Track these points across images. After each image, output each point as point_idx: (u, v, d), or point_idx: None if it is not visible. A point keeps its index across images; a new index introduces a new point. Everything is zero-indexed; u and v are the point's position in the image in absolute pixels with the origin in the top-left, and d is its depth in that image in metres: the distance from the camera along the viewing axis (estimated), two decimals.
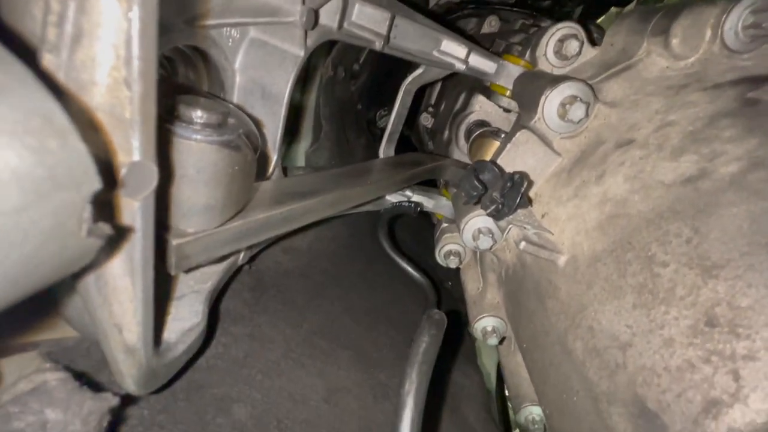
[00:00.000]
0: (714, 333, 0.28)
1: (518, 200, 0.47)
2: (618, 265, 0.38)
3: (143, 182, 0.25)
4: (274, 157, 0.51)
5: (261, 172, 0.51)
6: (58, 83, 0.23)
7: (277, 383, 0.48)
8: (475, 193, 0.49)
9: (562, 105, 0.51)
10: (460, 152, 0.82)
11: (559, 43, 0.59)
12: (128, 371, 0.32)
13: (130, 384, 0.33)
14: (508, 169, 0.53)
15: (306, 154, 0.97)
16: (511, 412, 0.77)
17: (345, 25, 0.51)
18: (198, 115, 0.33)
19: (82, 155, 0.19)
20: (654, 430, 0.30)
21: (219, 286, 0.48)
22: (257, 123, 0.48)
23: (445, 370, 0.70)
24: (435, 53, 0.62)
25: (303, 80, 0.91)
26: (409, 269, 0.80)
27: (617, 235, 0.39)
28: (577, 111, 0.49)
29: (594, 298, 0.39)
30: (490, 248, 0.54)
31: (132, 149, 0.24)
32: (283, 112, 0.50)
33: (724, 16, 0.43)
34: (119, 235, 0.26)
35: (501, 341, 0.62)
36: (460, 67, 0.64)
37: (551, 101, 0.51)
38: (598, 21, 1.14)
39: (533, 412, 0.59)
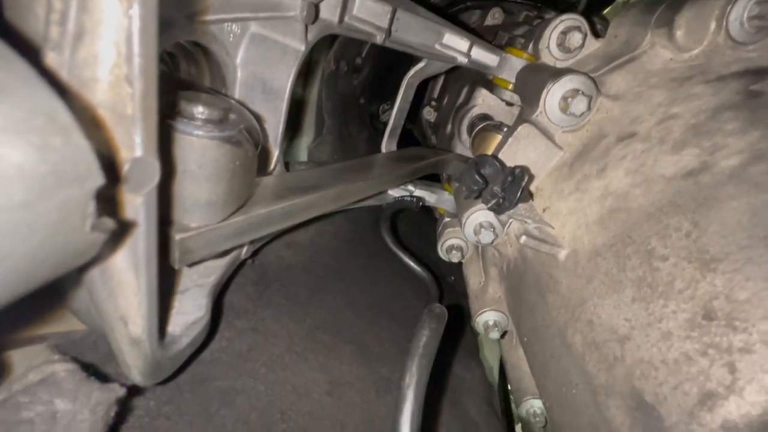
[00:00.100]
0: (711, 326, 0.28)
1: (519, 194, 0.47)
2: (618, 259, 0.38)
3: (146, 178, 0.25)
4: (275, 152, 0.52)
5: (263, 167, 0.51)
6: (61, 81, 0.23)
7: (281, 376, 0.49)
8: (475, 188, 0.49)
9: (564, 98, 0.50)
10: (463, 146, 0.82)
11: (562, 36, 0.59)
12: (134, 363, 0.32)
13: (136, 375, 0.33)
14: (510, 163, 0.53)
15: (308, 148, 0.97)
16: (513, 406, 0.78)
17: (346, 18, 0.51)
18: (199, 110, 0.33)
19: (85, 152, 0.20)
20: (650, 423, 0.30)
21: (222, 280, 0.48)
22: (258, 118, 0.48)
23: (446, 363, 0.71)
24: (437, 47, 0.62)
25: (305, 75, 0.91)
26: (412, 264, 0.80)
27: (617, 229, 0.39)
28: (579, 104, 0.49)
29: (594, 292, 0.39)
30: (492, 242, 0.54)
31: (134, 145, 0.24)
32: (284, 107, 0.50)
33: (729, 6, 0.43)
34: (123, 229, 0.26)
35: (503, 335, 0.63)
36: (463, 60, 0.64)
37: (553, 95, 0.51)
38: (605, 12, 1.13)
39: (534, 405, 0.59)
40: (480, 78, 0.80)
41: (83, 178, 0.20)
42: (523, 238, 0.47)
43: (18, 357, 0.33)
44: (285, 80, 0.49)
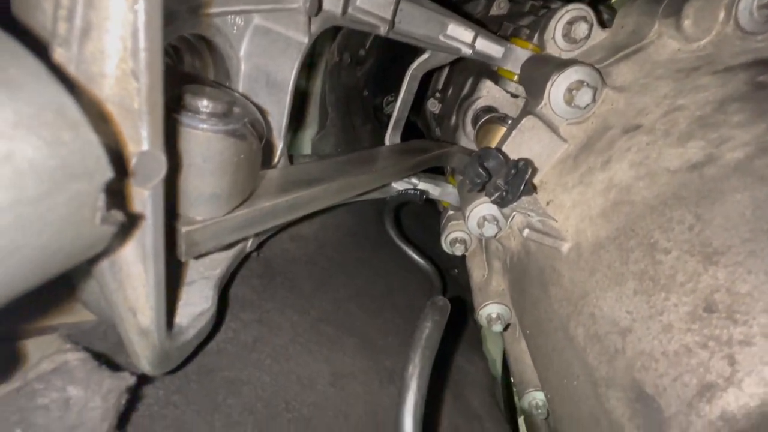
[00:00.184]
0: (712, 319, 0.28)
1: (522, 187, 0.47)
2: (620, 252, 0.38)
3: (152, 171, 0.26)
4: (279, 145, 0.52)
5: (267, 161, 0.51)
6: (69, 76, 0.23)
7: (286, 367, 0.50)
8: (479, 181, 0.49)
9: (569, 90, 0.50)
10: (467, 138, 0.81)
11: (567, 26, 0.58)
12: (143, 352, 0.33)
13: (145, 364, 0.34)
14: (514, 156, 0.52)
15: (312, 141, 0.97)
16: (516, 398, 0.79)
17: (349, 10, 0.51)
18: (204, 104, 0.33)
19: (94, 146, 0.20)
20: (650, 414, 0.30)
21: (228, 272, 0.49)
22: (262, 111, 0.48)
23: (449, 356, 0.71)
24: (441, 38, 0.62)
25: (308, 67, 0.91)
26: (415, 256, 0.80)
27: (621, 222, 0.39)
28: (584, 96, 0.49)
29: (596, 284, 0.39)
30: (495, 235, 0.54)
31: (141, 139, 0.24)
32: (288, 99, 0.50)
33: None
34: (131, 222, 0.27)
35: (506, 328, 0.63)
36: (467, 51, 0.63)
37: (558, 86, 0.50)
38: (612, 1, 1.11)
39: (536, 397, 0.60)
40: (485, 69, 0.79)
41: (93, 172, 0.20)
42: (527, 231, 0.47)
43: (32, 346, 0.34)
44: (288, 73, 0.49)
